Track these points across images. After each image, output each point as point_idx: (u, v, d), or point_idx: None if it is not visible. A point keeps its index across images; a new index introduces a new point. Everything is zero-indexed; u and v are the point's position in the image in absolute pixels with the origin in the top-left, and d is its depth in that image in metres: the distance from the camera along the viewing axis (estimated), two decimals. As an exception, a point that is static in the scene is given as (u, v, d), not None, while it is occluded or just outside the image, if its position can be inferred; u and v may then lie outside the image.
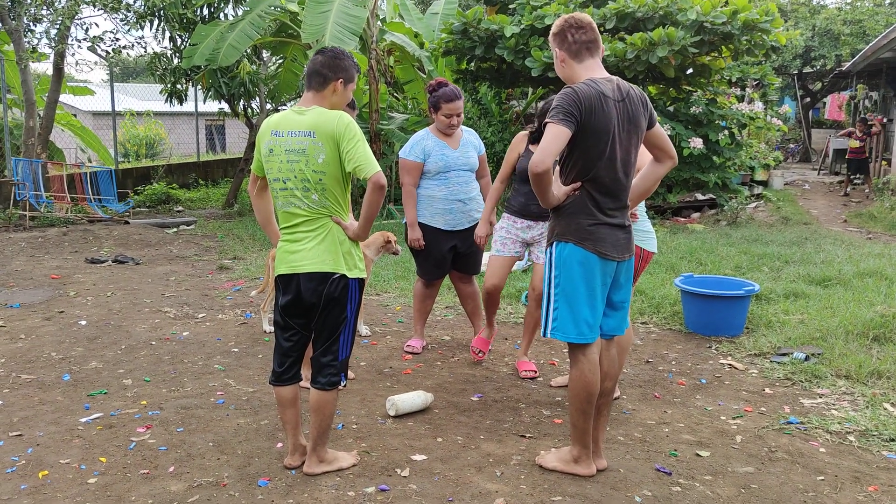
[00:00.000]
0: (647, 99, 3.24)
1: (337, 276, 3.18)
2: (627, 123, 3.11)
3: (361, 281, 3.30)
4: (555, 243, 3.20)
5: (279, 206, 3.28)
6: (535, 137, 4.47)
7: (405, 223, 5.06)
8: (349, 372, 4.54)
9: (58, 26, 11.51)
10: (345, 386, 3.37)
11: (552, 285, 3.21)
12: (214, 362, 4.96)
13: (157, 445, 3.66)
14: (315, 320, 3.27)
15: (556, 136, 2.95)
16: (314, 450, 3.35)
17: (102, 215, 11.28)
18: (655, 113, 3.31)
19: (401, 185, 5.00)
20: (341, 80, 3.22)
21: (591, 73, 3.14)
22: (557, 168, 3.23)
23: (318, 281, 3.17)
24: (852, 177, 15.28)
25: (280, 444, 3.65)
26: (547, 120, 3.00)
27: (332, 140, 3.10)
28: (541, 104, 4.69)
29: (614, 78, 3.15)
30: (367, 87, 11.93)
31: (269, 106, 13.93)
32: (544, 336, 3.28)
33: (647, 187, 3.42)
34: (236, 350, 5.24)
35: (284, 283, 3.25)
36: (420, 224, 4.94)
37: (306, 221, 3.20)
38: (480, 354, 4.94)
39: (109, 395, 4.35)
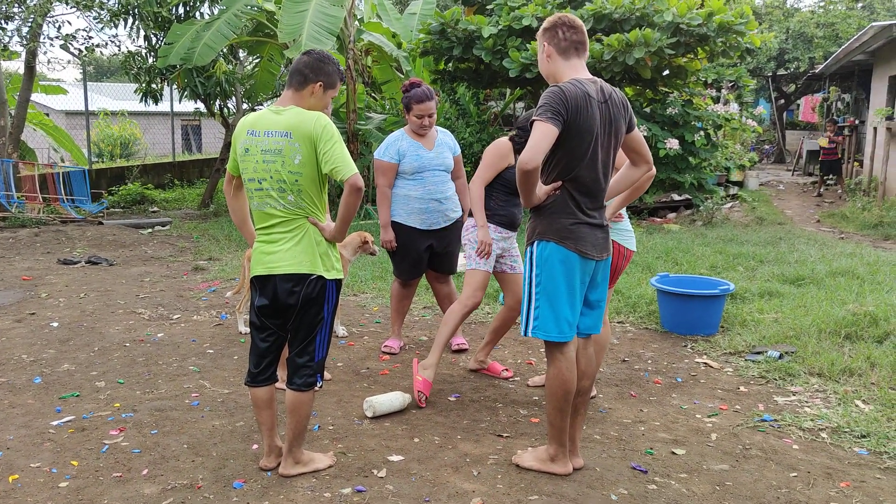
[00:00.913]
0: (628, 102, 3.26)
1: (314, 277, 3.16)
2: (609, 126, 3.14)
3: (339, 282, 3.29)
4: (536, 242, 3.20)
5: (255, 207, 3.25)
6: (519, 146, 4.44)
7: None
8: (326, 373, 4.52)
9: (29, 24, 11.36)
10: (321, 387, 3.35)
11: (533, 284, 3.22)
12: (189, 364, 4.91)
13: (130, 448, 3.61)
14: (292, 321, 3.25)
15: (545, 134, 2.95)
16: (290, 451, 3.33)
17: (75, 216, 11.14)
18: (635, 117, 3.33)
19: (375, 185, 4.98)
20: (321, 83, 3.19)
21: (576, 73, 3.16)
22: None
23: (294, 282, 3.15)
24: (825, 178, 15.47)
25: (255, 446, 3.62)
26: (534, 118, 3.00)
27: (308, 141, 3.07)
28: (523, 113, 4.60)
29: (598, 79, 3.17)
30: (345, 86, 11.89)
31: (245, 106, 13.85)
32: (525, 335, 3.28)
33: (620, 190, 3.45)
34: (211, 351, 5.19)
35: (261, 284, 3.23)
36: (397, 223, 4.92)
37: (282, 222, 3.17)
38: (423, 401, 4.25)
39: (82, 398, 4.29)
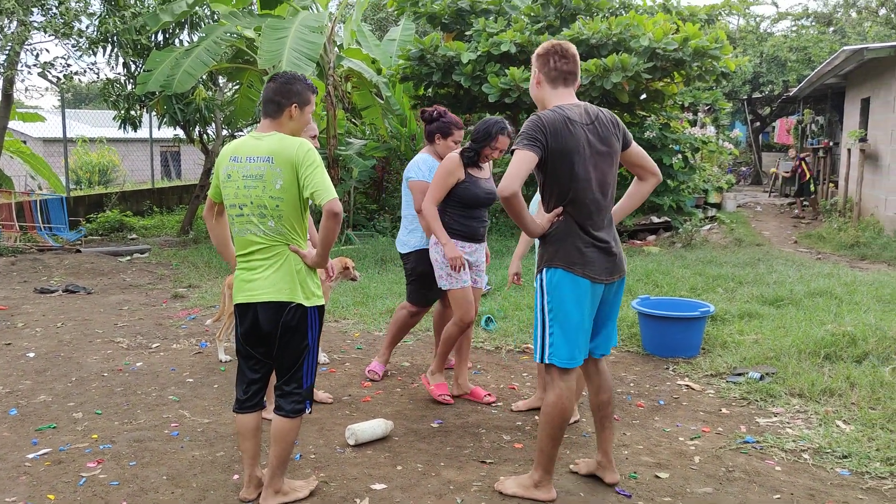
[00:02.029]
0: (619, 120, 3.32)
1: (293, 305, 3.15)
2: (599, 144, 3.18)
3: (320, 308, 3.27)
4: (545, 269, 3.23)
5: (235, 233, 3.23)
6: (469, 160, 4.47)
7: (407, 252, 4.83)
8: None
9: (7, 52, 11.29)
10: (310, 413, 3.33)
11: (546, 311, 3.24)
12: (169, 393, 4.85)
13: (108, 480, 3.55)
14: (276, 349, 3.22)
15: (522, 160, 3.01)
16: (272, 480, 3.28)
17: (53, 244, 11.03)
18: (630, 133, 3.37)
19: (420, 208, 4.58)
20: (295, 104, 3.19)
21: (562, 101, 3.22)
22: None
23: (274, 310, 3.14)
24: (802, 200, 15.68)
25: (236, 476, 3.57)
26: (514, 147, 3.07)
27: (290, 166, 3.07)
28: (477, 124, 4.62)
29: (582, 103, 3.23)
30: (325, 112, 11.92)
31: (225, 132, 13.83)
32: (540, 362, 3.29)
33: (632, 205, 3.49)
34: (191, 380, 5.13)
35: (241, 312, 3.21)
36: (422, 250, 4.72)
37: (262, 249, 3.16)
38: (448, 398, 4.66)
39: (59, 430, 4.22)
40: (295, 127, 3.22)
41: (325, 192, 3.05)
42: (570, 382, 3.25)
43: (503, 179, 3.00)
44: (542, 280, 3.25)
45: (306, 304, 3.18)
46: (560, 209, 3.19)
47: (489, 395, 4.74)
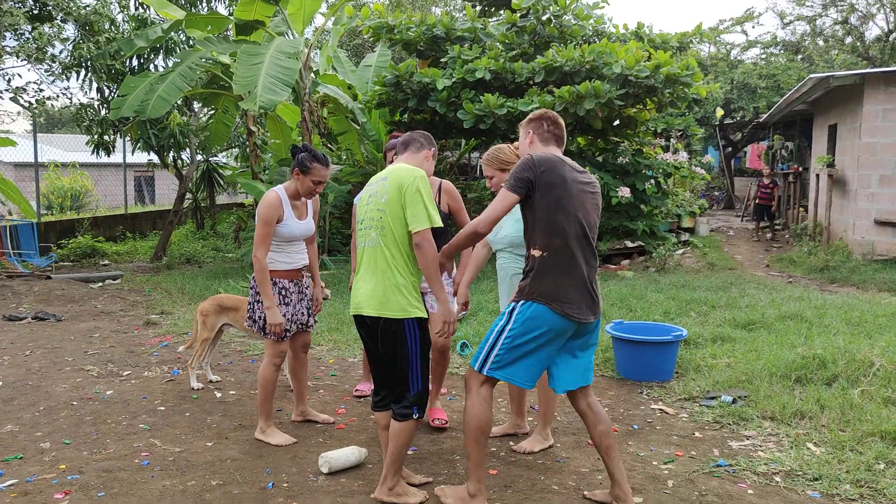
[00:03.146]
0: (598, 186, 3.57)
1: (387, 319, 3.37)
2: (584, 195, 3.37)
3: (420, 320, 3.42)
4: (522, 302, 3.32)
5: (358, 244, 3.58)
6: None
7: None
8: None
9: (-22, 77, 11.22)
10: (418, 419, 3.48)
11: (502, 334, 3.33)
12: (139, 422, 4.79)
13: (75, 512, 3.48)
14: (385, 355, 3.48)
15: (503, 198, 3.25)
16: (386, 476, 3.49)
17: (23, 270, 10.87)
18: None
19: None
20: (434, 150, 3.72)
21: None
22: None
23: (373, 322, 3.43)
24: (769, 225, 15.90)
25: (207, 506, 3.52)
26: (503, 186, 3.29)
27: (398, 186, 3.38)
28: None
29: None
30: (300, 138, 11.93)
31: (199, 157, 13.79)
32: (478, 371, 3.37)
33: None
34: (163, 408, 5.07)
35: (355, 320, 3.57)
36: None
37: (368, 261, 3.46)
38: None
39: (25, 460, 4.14)
40: (428, 168, 3.69)
41: (418, 220, 3.32)
42: (485, 392, 3.38)
43: (484, 214, 3.23)
44: (514, 308, 3.33)
45: (400, 316, 3.36)
46: (544, 246, 3.29)
47: (441, 420, 4.65)
